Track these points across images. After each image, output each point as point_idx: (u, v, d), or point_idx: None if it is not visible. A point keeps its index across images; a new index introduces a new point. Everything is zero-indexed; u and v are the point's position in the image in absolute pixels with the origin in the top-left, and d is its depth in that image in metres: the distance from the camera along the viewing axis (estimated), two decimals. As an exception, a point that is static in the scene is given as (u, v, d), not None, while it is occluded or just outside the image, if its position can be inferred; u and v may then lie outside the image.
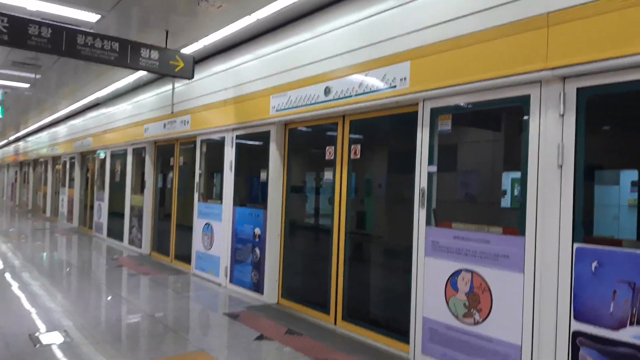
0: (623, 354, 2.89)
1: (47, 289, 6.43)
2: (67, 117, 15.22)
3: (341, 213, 5.17)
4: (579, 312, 3.08)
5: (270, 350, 4.38)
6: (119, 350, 4.22)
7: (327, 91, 5.00)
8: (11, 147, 26.67)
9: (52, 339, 4.41)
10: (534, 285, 3.32)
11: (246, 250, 6.52)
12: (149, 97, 9.48)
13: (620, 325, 2.90)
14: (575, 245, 3.11)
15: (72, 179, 15.27)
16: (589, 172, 6.77)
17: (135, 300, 6.10)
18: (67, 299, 5.98)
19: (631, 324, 2.85)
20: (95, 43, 5.06)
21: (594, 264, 3.02)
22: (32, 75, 9.25)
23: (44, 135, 18.68)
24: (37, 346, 4.20)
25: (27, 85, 10.56)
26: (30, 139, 21.36)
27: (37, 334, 4.52)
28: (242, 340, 4.58)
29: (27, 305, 5.59)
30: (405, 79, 4.19)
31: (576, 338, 3.10)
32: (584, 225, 4.75)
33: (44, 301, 5.77)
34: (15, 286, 6.54)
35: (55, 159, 17.63)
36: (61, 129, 16.11)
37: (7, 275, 7.23)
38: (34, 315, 5.16)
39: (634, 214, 8.14)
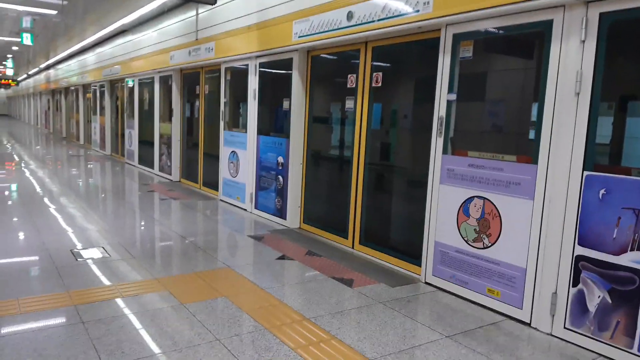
0: (622, 277, 3.01)
1: (84, 211, 6.87)
2: (95, 44, 15.32)
3: (361, 143, 5.26)
4: (583, 238, 3.19)
5: (291, 268, 4.68)
6: (153, 265, 4.58)
7: (349, 16, 4.93)
8: (42, 75, 27.14)
9: (92, 254, 4.80)
10: (542, 212, 3.43)
11: (270, 178, 6.74)
12: (173, 24, 9.45)
13: (621, 251, 3.00)
14: (585, 173, 3.17)
15: (102, 107, 15.63)
16: (622, 103, 6.60)
17: (167, 222, 6.47)
18: (104, 220, 6.40)
19: (632, 249, 2.95)
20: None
21: (602, 191, 3.08)
22: (59, 1, 9.28)
23: (73, 63, 18.91)
24: (78, 260, 4.60)
25: (54, 12, 10.62)
26: (60, 67, 21.66)
27: (78, 250, 4.92)
28: (265, 259, 4.89)
29: (67, 225, 6.01)
30: (428, 2, 4.10)
31: (579, 262, 3.23)
32: (611, 157, 4.73)
33: (82, 222, 6.19)
34: (54, 208, 6.99)
35: (86, 87, 17.95)
36: (90, 57, 16.28)
37: (47, 198, 7.71)
38: (74, 234, 5.57)
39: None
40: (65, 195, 8.01)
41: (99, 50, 15.13)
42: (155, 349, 2.93)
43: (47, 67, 24.50)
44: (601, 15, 3.05)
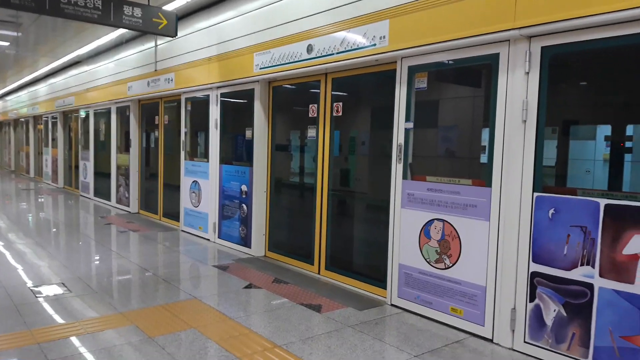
0: (574, 291, 3.23)
1: (40, 246, 6.64)
2: (48, 75, 14.99)
3: (324, 170, 5.40)
4: (536, 255, 3.41)
5: (259, 296, 4.69)
6: (117, 299, 4.48)
7: (309, 49, 5.12)
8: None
9: (52, 290, 4.65)
10: (498, 232, 3.63)
11: (233, 207, 6.76)
12: (131, 55, 9.43)
13: (572, 266, 3.23)
14: (535, 194, 3.40)
15: (54, 139, 15.20)
16: (565, 127, 7.06)
17: (128, 255, 6.34)
18: (62, 255, 6.21)
19: (582, 264, 3.18)
20: (78, 1, 5.05)
21: (551, 211, 3.32)
22: (14, 33, 9.10)
23: (23, 94, 18.37)
24: (38, 297, 4.45)
25: (7, 44, 10.38)
26: (9, 98, 20.97)
27: (37, 286, 4.76)
28: (232, 289, 4.88)
29: (23, 261, 5.80)
30: (384, 37, 4.33)
31: (534, 278, 3.43)
32: (557, 178, 5.03)
33: (39, 257, 5.99)
34: (7, 244, 6.73)
35: (37, 119, 17.44)
36: (42, 88, 15.88)
37: (1, 233, 7.41)
38: (31, 270, 5.38)
39: (607, 168, 8.48)
40: (18, 230, 7.71)
41: (51, 81, 14.80)
42: (125, 384, 2.88)
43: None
44: (543, 48, 3.34)
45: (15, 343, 3.39)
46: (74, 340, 3.48)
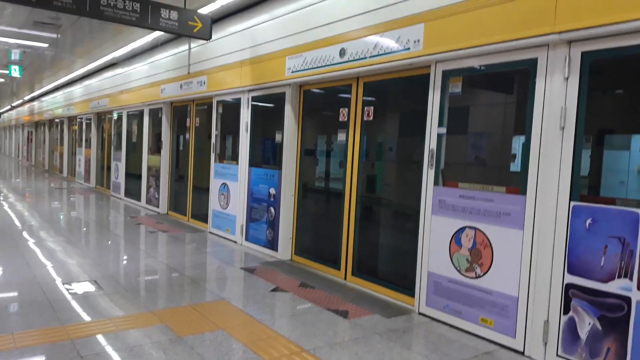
0: (611, 304, 3.12)
1: (74, 245, 6.80)
2: (83, 77, 15.41)
3: (353, 174, 5.38)
4: (572, 266, 3.31)
5: (286, 300, 4.69)
6: (147, 298, 4.55)
7: (342, 52, 5.12)
8: (26, 107, 27.02)
9: (84, 287, 4.76)
10: (532, 241, 3.55)
11: (261, 210, 6.80)
12: (165, 58, 9.62)
13: (609, 278, 3.12)
14: (572, 203, 3.31)
15: (88, 139, 15.60)
16: (599, 136, 6.88)
17: (156, 255, 6.44)
18: (94, 254, 6.35)
19: (619, 276, 3.07)
20: (117, 4, 5.19)
21: (589, 221, 3.22)
22: (53, 35, 9.39)
23: (59, 95, 18.93)
24: (71, 294, 4.55)
25: (46, 45, 10.72)
26: (45, 99, 21.64)
27: (70, 284, 4.87)
28: (259, 291, 4.89)
29: (57, 259, 5.95)
30: (418, 41, 4.30)
31: (569, 290, 3.33)
32: (589, 189, 4.88)
33: (72, 255, 6.13)
34: (41, 242, 6.92)
35: (71, 119, 17.93)
36: (77, 89, 16.33)
37: (36, 232, 7.63)
38: (65, 268, 5.51)
39: (644, 178, 8.21)
40: (53, 228, 7.92)
41: (86, 82, 15.21)
42: (155, 382, 2.91)
43: (32, 99, 24.43)
44: (583, 54, 3.26)
45: (49, 338, 3.47)
46: (106, 337, 3.55)
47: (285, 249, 6.41)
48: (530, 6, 3.46)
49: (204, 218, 8.50)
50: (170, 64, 9.38)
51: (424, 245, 4.38)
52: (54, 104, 19.97)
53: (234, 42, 7.21)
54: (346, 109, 5.48)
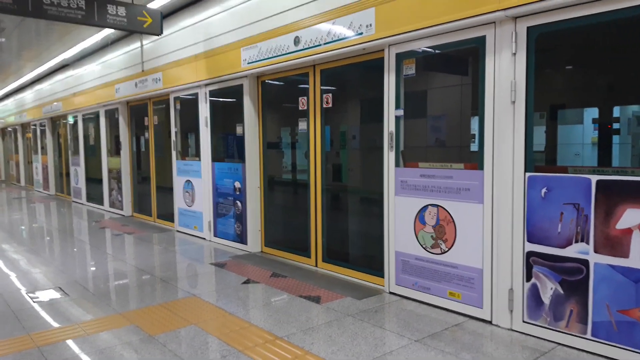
0: (570, 268, 3.26)
1: (36, 253, 6.60)
2: (34, 81, 14.84)
3: (317, 162, 5.40)
4: (531, 234, 3.43)
5: (257, 291, 4.69)
6: (115, 301, 4.47)
7: (296, 41, 5.11)
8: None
9: (49, 295, 4.63)
10: (492, 214, 3.66)
11: (228, 204, 6.75)
12: (117, 56, 9.36)
13: (567, 243, 3.25)
14: (527, 174, 3.43)
15: (44, 146, 15.08)
16: (552, 112, 7.11)
17: (124, 257, 6.32)
18: (58, 261, 6.17)
19: (576, 241, 3.21)
20: (61, 2, 5.00)
21: (544, 190, 3.34)
22: (-4, 39, 9.02)
23: (10, 102, 18.19)
24: (35, 302, 4.42)
25: (-10, 50, 10.28)
26: (-5, 107, 20.76)
27: (34, 292, 4.73)
28: (230, 285, 4.88)
29: (18, 268, 5.76)
30: (370, 25, 4.33)
31: (530, 258, 3.46)
32: (546, 163, 5.04)
33: (35, 263, 5.95)
34: (1, 252, 6.68)
35: (25, 127, 17.28)
36: (28, 95, 15.73)
37: (-7, 241, 7.35)
38: (28, 276, 5.34)
39: (596, 150, 8.56)
40: (13, 238, 7.65)
41: (37, 87, 14.66)
42: (128, 382, 2.88)
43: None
44: (528, 29, 3.36)
45: (14, 348, 3.37)
46: (74, 342, 3.47)
47: (254, 241, 6.39)
48: (477, -16, 3.54)
49: (170, 217, 8.37)
50: (123, 62, 9.14)
51: (390, 226, 4.45)
52: (5, 112, 19.18)
53: (187, 36, 7.08)
54: (305, 98, 5.48)
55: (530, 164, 3.43)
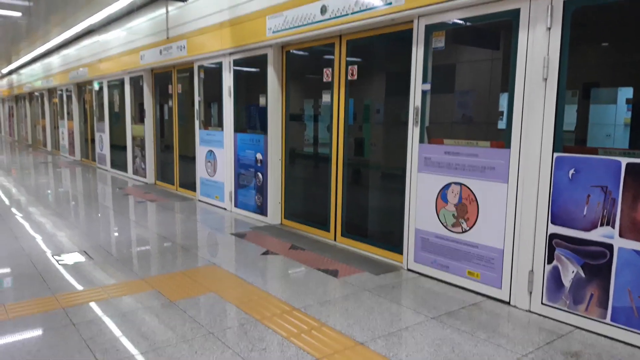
0: (594, 252, 3.19)
1: (61, 217, 6.77)
2: (60, 46, 14.96)
3: (339, 135, 5.35)
4: (555, 216, 3.36)
5: (276, 262, 4.74)
6: (138, 266, 4.57)
7: (323, 10, 5.01)
8: (4, 81, 26.32)
9: (74, 258, 4.76)
10: (516, 194, 3.58)
11: (249, 175, 6.78)
12: (143, 23, 9.34)
13: (592, 227, 3.18)
14: (555, 154, 3.33)
15: (70, 112, 15.30)
16: (585, 90, 6.87)
17: (145, 224, 6.44)
18: (82, 225, 6.32)
19: (602, 224, 3.13)
20: (87, -33, 4.99)
21: (571, 171, 3.25)
22: (25, 3, 9.06)
23: (37, 66, 18.43)
24: (61, 264, 4.55)
25: (19, 14, 10.35)
26: (23, 71, 21.06)
27: (59, 255, 4.87)
28: (249, 255, 4.93)
29: (45, 231, 5.92)
30: (400, -4, 4.20)
31: (552, 240, 3.40)
32: (577, 143, 4.89)
33: (60, 227, 6.11)
34: (29, 215, 6.87)
35: (52, 92, 17.53)
36: (55, 60, 15.90)
37: (22, 206, 7.56)
38: (54, 239, 5.50)
39: (628, 132, 8.30)
40: (40, 201, 7.86)
41: (64, 52, 14.79)
42: (149, 344, 2.96)
43: (10, 72, 23.76)
44: (565, 3, 3.21)
45: (41, 308, 3.49)
46: (98, 304, 3.57)
47: (274, 213, 6.43)
48: (513, -45, 3.38)
49: (192, 186, 8.46)
50: (148, 29, 9.13)
51: (411, 202, 4.41)
52: (32, 77, 19.46)
53: (212, 3, 7.00)
54: (330, 69, 5.40)
55: (559, 144, 3.33)
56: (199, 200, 8.03)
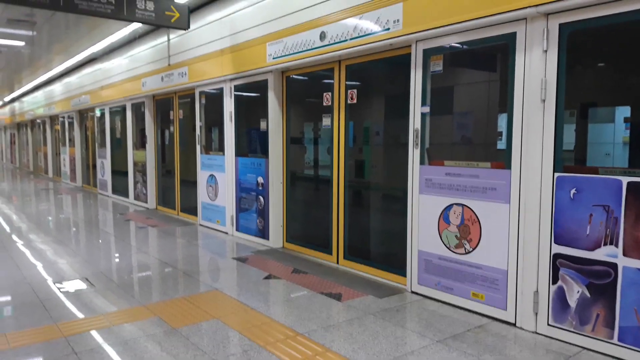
0: (598, 272, 3.18)
1: (62, 244, 6.75)
2: (62, 74, 15.16)
3: (340, 158, 5.38)
4: (558, 236, 3.36)
5: (279, 286, 4.71)
6: (139, 293, 4.54)
7: (322, 36, 5.09)
8: (6, 109, 26.56)
9: (75, 285, 4.73)
10: (518, 214, 3.59)
11: (250, 199, 6.78)
12: (144, 50, 9.48)
13: (596, 246, 3.17)
14: (556, 174, 3.35)
15: (71, 138, 15.39)
16: (583, 110, 6.92)
17: (147, 250, 6.42)
18: (84, 252, 6.30)
19: (605, 244, 3.12)
20: (91, -4, 5.11)
21: (573, 191, 3.26)
22: (29, 33, 9.21)
23: (39, 94, 18.62)
24: (62, 292, 4.52)
25: (22, 43, 10.52)
26: (25, 99, 21.28)
27: (61, 282, 4.84)
28: (252, 280, 4.90)
29: (46, 258, 5.90)
30: (398, 20, 4.28)
31: (556, 260, 3.39)
32: (576, 163, 4.92)
33: (62, 254, 6.09)
34: (29, 242, 6.85)
35: (53, 119, 17.67)
36: (57, 88, 16.07)
37: (24, 233, 7.55)
38: (55, 267, 5.47)
39: (627, 150, 8.31)
40: (41, 228, 7.85)
41: (66, 80, 14.97)
42: (151, 373, 2.92)
43: (12, 100, 24.00)
44: (560, 25, 3.27)
45: (42, 337, 3.45)
46: (100, 332, 3.54)
47: (276, 237, 6.42)
48: (507, -20, 3.46)
49: (193, 211, 8.46)
50: (150, 56, 9.25)
51: (413, 224, 4.41)
52: (34, 104, 19.64)
53: (213, 30, 7.12)
54: (330, 93, 5.47)
55: (559, 163, 3.35)
56: (201, 225, 8.02)
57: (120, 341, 3.38)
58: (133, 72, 10.00)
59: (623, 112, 8.21)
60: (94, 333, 3.52)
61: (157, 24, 5.98)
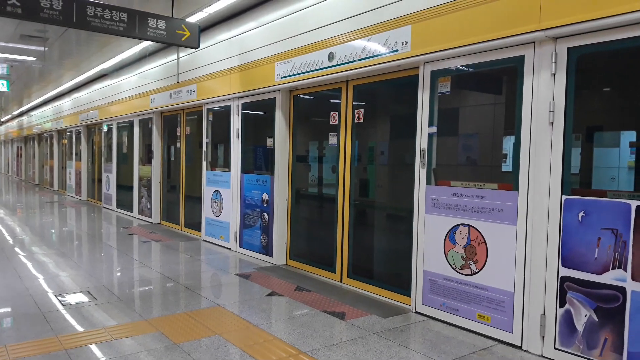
0: (606, 295, 3.14)
1: (65, 256, 6.74)
2: (72, 89, 15.34)
3: (345, 176, 5.39)
4: (566, 259, 3.33)
5: (282, 304, 4.67)
6: (142, 307, 4.52)
7: (330, 57, 5.15)
8: (15, 122, 26.82)
9: (77, 298, 4.71)
10: (525, 236, 3.57)
11: (255, 215, 6.78)
12: (154, 68, 9.60)
13: (604, 270, 3.14)
14: (564, 197, 3.34)
15: (78, 152, 15.50)
16: (589, 134, 6.93)
17: (150, 264, 6.40)
18: (87, 265, 6.29)
19: (613, 267, 3.10)
20: (104, 14, 5.19)
21: (581, 214, 3.25)
22: (40, 48, 9.36)
23: (48, 109, 18.82)
24: (64, 305, 4.50)
25: (34, 59, 10.68)
26: (34, 113, 21.50)
27: (63, 295, 4.82)
28: (254, 296, 4.87)
29: (49, 271, 5.89)
30: (406, 42, 4.33)
31: (564, 283, 3.35)
32: (581, 187, 4.92)
33: (64, 267, 6.07)
34: (33, 255, 6.85)
35: (61, 133, 17.82)
36: (66, 102, 16.25)
37: (27, 245, 7.55)
38: (57, 279, 5.46)
39: (632, 175, 8.29)
40: (45, 241, 7.85)
41: (75, 95, 15.14)
42: (152, 389, 2.88)
43: (21, 114, 24.25)
44: (569, 49, 3.30)
45: (43, 349, 3.43)
46: (100, 347, 3.51)
47: (280, 254, 6.39)
48: (516, 4, 3.51)
49: (197, 226, 8.46)
50: (159, 73, 9.37)
51: (419, 244, 4.39)
52: (43, 118, 19.84)
53: (223, 49, 7.22)
54: (336, 113, 5.50)
55: (567, 186, 3.34)
56: (204, 240, 8.00)
57: (120, 355, 3.35)
58: (142, 88, 10.12)
59: (629, 136, 8.20)
60: (94, 347, 3.49)
61: (168, 42, 6.07)
